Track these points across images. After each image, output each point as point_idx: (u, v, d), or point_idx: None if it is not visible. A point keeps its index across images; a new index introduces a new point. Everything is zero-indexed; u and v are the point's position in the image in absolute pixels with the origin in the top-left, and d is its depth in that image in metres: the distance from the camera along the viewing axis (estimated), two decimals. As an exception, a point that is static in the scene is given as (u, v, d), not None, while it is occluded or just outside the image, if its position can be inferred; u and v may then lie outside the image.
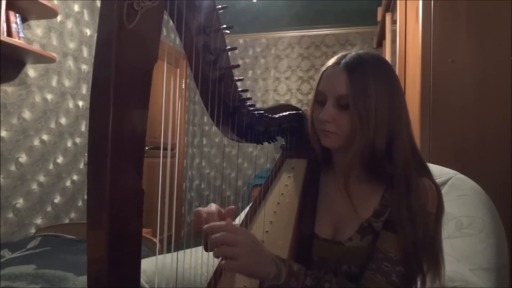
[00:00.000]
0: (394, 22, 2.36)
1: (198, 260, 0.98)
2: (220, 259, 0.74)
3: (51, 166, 2.49)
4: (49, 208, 2.48)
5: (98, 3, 2.84)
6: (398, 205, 0.72)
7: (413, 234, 0.69)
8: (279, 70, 4.40)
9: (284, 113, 0.94)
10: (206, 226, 0.64)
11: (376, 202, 0.78)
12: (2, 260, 1.69)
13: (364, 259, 0.73)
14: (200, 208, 0.78)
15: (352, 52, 0.78)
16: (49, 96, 2.47)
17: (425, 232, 0.70)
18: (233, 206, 0.80)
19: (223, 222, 0.65)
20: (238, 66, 0.77)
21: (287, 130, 0.97)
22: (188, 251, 1.11)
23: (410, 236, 0.69)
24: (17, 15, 2.04)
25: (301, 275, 0.67)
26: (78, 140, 2.73)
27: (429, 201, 0.73)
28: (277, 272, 0.65)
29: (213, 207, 0.80)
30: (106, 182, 0.47)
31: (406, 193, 0.72)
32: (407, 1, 1.96)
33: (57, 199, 2.55)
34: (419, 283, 0.70)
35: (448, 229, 1.03)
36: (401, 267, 0.69)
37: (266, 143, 0.95)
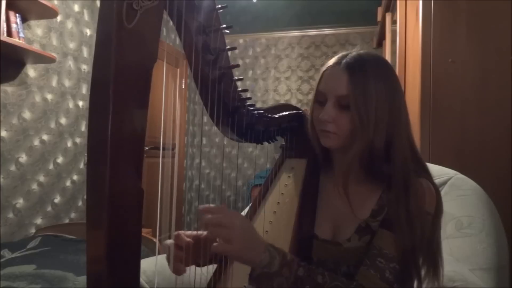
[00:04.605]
0: (394, 22, 2.36)
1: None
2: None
3: (51, 166, 2.49)
4: (49, 208, 2.48)
5: (98, 3, 2.83)
6: (396, 205, 0.72)
7: (410, 234, 0.69)
8: (279, 70, 4.39)
9: (284, 113, 0.94)
10: (201, 207, 0.64)
11: (374, 203, 0.78)
12: (2, 260, 1.69)
13: (363, 260, 0.73)
14: (181, 232, 0.75)
15: (353, 52, 0.78)
16: (49, 96, 2.47)
17: (422, 232, 0.70)
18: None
19: (219, 205, 0.65)
20: (238, 66, 0.76)
21: (287, 130, 0.97)
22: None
23: (407, 236, 0.69)
24: (17, 15, 2.04)
25: (294, 265, 0.67)
26: (78, 140, 2.73)
27: (426, 201, 0.73)
28: (270, 260, 0.64)
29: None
30: (106, 182, 0.47)
31: (404, 194, 0.71)
32: (407, 1, 1.96)
33: (57, 199, 2.55)
34: (416, 283, 0.70)
35: (448, 229, 1.03)
36: (395, 264, 0.69)
37: (266, 143, 0.95)
